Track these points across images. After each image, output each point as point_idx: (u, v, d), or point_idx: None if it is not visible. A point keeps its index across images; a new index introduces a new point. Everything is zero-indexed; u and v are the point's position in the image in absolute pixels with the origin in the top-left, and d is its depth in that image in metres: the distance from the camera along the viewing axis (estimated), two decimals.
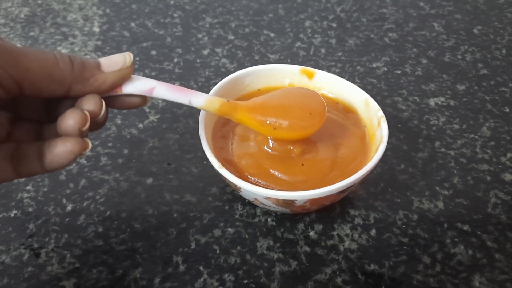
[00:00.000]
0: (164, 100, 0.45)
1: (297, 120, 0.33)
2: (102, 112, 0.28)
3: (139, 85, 0.29)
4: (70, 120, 0.26)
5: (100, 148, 0.41)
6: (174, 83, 0.47)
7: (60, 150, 0.26)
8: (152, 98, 0.31)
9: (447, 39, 0.53)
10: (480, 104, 0.45)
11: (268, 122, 0.32)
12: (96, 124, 0.29)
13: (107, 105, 0.29)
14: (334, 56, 0.51)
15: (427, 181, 0.38)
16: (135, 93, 0.29)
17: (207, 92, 0.37)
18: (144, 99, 0.30)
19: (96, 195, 0.37)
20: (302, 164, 0.34)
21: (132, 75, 0.29)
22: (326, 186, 0.31)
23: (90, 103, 0.27)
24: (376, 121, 0.35)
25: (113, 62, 0.28)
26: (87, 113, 0.27)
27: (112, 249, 0.34)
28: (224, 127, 0.37)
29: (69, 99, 0.28)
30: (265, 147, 0.35)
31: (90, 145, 0.28)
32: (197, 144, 0.39)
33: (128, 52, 0.29)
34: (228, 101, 0.33)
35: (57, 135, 0.27)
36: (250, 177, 0.33)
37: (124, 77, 0.29)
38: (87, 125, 0.27)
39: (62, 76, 0.26)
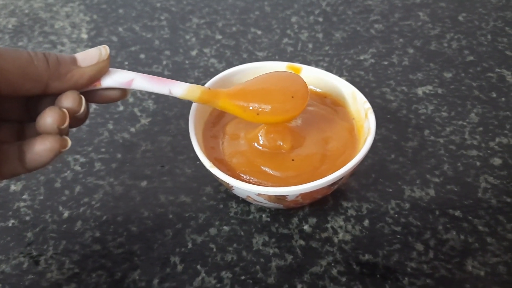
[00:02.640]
0: (154, 103, 0.45)
1: (279, 103, 0.33)
2: (82, 108, 0.28)
3: (117, 78, 0.29)
4: (48, 118, 0.26)
5: (93, 153, 0.41)
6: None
7: (40, 148, 0.27)
8: (131, 90, 0.31)
9: (432, 27, 0.54)
10: (468, 90, 0.46)
11: (250, 108, 0.32)
12: (76, 120, 0.29)
13: (87, 100, 0.29)
14: (321, 51, 0.51)
15: (418, 170, 0.39)
16: (114, 86, 0.29)
17: None
18: (123, 92, 0.30)
19: (91, 200, 0.38)
20: (293, 160, 0.34)
21: (110, 68, 0.29)
22: (317, 179, 0.31)
23: (68, 100, 0.27)
24: (363, 113, 0.36)
25: (89, 56, 0.28)
26: (65, 110, 0.27)
27: (110, 253, 0.35)
28: (214, 126, 0.38)
29: (49, 97, 0.28)
30: (256, 144, 0.35)
31: (69, 143, 0.28)
32: (189, 145, 0.40)
33: (104, 45, 0.29)
34: (209, 88, 0.33)
35: (38, 134, 0.27)
36: (242, 175, 0.34)
37: (101, 70, 0.29)
38: (66, 123, 0.27)
39: (37, 74, 0.26)
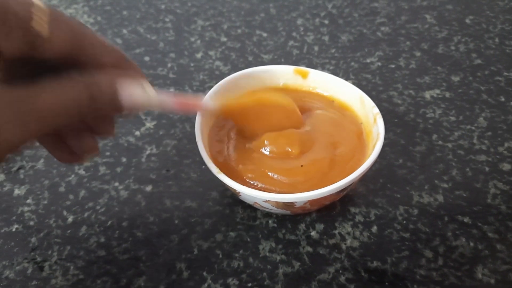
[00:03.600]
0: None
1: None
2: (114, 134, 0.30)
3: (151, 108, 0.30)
4: (85, 148, 0.29)
5: (98, 158, 0.41)
6: (168, 89, 0.47)
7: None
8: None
9: (439, 30, 0.53)
10: (476, 94, 0.45)
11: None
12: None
13: None
14: (327, 53, 0.51)
15: (426, 175, 0.39)
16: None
17: (202, 96, 0.37)
18: None
19: (96, 205, 0.37)
20: (301, 165, 0.34)
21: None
22: (325, 185, 0.31)
23: (104, 130, 0.29)
24: (372, 118, 0.35)
25: (134, 103, 0.26)
26: (98, 144, 0.29)
27: (115, 259, 0.34)
28: (220, 131, 0.37)
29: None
30: (263, 150, 0.35)
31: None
32: (194, 149, 0.39)
33: (147, 84, 0.27)
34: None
35: None
36: (248, 180, 0.34)
37: (142, 110, 0.28)
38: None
39: (78, 116, 0.25)
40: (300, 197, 0.30)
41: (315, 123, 0.36)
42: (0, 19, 0.21)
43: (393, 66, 0.49)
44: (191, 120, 0.44)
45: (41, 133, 0.23)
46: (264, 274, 0.33)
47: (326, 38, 0.53)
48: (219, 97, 0.38)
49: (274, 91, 0.40)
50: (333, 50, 0.51)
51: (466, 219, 0.35)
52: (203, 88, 0.47)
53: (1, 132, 0.21)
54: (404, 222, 0.36)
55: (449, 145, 0.41)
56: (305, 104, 0.38)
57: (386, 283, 0.32)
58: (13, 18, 0.22)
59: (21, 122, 0.22)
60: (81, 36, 0.25)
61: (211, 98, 0.37)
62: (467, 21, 0.54)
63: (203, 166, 0.39)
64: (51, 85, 0.23)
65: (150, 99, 0.27)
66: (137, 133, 0.43)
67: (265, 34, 0.54)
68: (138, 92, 0.26)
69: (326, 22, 0.55)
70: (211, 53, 0.51)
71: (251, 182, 0.33)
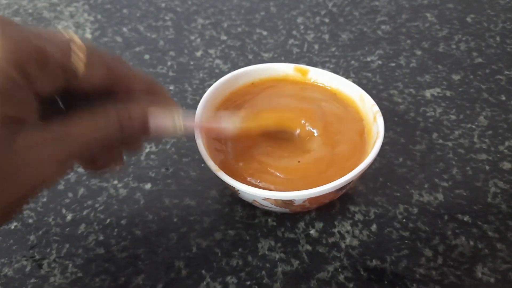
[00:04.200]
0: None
1: None
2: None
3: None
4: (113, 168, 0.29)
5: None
6: (168, 87, 0.47)
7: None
8: None
9: (440, 29, 0.53)
10: (476, 93, 0.45)
11: None
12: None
13: None
14: (328, 52, 0.51)
15: (426, 174, 0.38)
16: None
17: (202, 94, 0.37)
18: None
19: (95, 203, 0.37)
20: (298, 161, 0.34)
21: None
22: (324, 183, 0.31)
23: (133, 149, 0.30)
24: (372, 116, 0.35)
25: (162, 133, 0.28)
26: (125, 163, 0.30)
27: (114, 257, 0.34)
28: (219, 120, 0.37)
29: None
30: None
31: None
32: (194, 147, 0.39)
33: (180, 120, 0.28)
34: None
35: None
36: (248, 178, 0.33)
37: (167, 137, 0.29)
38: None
39: (108, 141, 0.26)
40: (299, 195, 0.30)
41: (319, 115, 0.36)
42: (40, 62, 0.22)
43: (393, 64, 0.49)
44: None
45: (73, 164, 0.25)
46: (263, 272, 0.33)
47: (326, 36, 0.53)
48: (218, 95, 0.38)
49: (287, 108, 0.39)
50: (333, 49, 0.51)
51: (466, 218, 0.35)
52: (203, 86, 0.47)
53: (39, 171, 0.22)
54: (404, 220, 0.35)
55: (450, 143, 0.41)
56: (308, 96, 0.38)
57: (386, 282, 0.32)
58: (52, 59, 0.22)
59: (57, 160, 0.23)
60: (115, 69, 0.26)
61: (210, 97, 0.37)
62: (468, 19, 0.54)
63: (202, 165, 0.39)
64: (83, 118, 0.24)
65: (178, 129, 0.28)
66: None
67: (265, 33, 0.54)
68: (167, 122, 0.27)
69: (327, 20, 0.55)
70: (211, 51, 0.51)
71: (250, 180, 0.33)
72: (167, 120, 0.27)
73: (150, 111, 0.27)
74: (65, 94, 0.26)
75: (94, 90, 0.25)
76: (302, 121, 0.36)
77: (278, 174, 0.33)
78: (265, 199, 0.31)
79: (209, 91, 0.37)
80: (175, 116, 0.28)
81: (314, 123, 0.36)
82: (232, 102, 0.38)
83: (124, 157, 0.30)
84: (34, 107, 0.22)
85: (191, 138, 0.31)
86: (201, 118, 0.35)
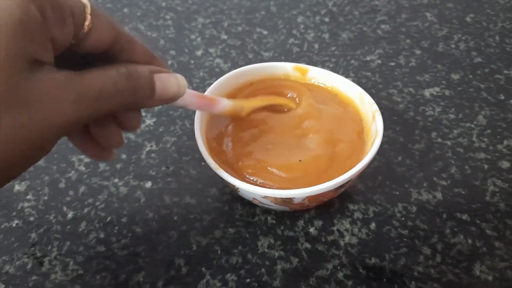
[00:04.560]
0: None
1: None
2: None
3: (175, 103, 0.29)
4: (112, 142, 0.29)
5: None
6: None
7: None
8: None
9: (440, 28, 0.53)
10: (475, 92, 0.45)
11: None
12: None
13: None
14: (327, 51, 0.51)
15: (425, 172, 0.39)
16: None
17: (202, 92, 0.37)
18: None
19: (96, 201, 0.38)
20: (300, 160, 0.34)
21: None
22: (324, 182, 0.31)
23: (132, 123, 0.29)
24: (371, 115, 0.36)
25: (167, 92, 0.28)
26: (123, 138, 0.29)
27: (114, 254, 0.34)
28: (219, 127, 0.37)
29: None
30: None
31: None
32: (194, 146, 0.39)
33: (183, 80, 0.29)
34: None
35: None
36: (248, 176, 0.34)
37: (169, 103, 0.29)
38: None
39: (116, 100, 0.25)
40: (298, 193, 0.30)
41: (319, 116, 0.36)
42: (55, 7, 0.22)
43: (393, 64, 0.49)
44: (190, 117, 0.44)
45: (87, 116, 0.24)
46: (263, 270, 0.33)
47: (326, 36, 0.53)
48: (218, 95, 0.38)
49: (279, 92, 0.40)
50: (333, 48, 0.51)
51: (464, 217, 0.36)
52: (203, 85, 0.47)
53: (57, 109, 0.22)
54: (403, 219, 0.36)
55: (448, 142, 0.41)
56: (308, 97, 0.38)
57: (384, 280, 0.32)
58: (66, 7, 0.23)
59: (75, 101, 0.23)
60: (119, 31, 0.26)
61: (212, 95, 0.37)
62: (468, 19, 0.54)
63: (203, 163, 0.40)
64: (94, 69, 0.24)
65: (182, 90, 0.28)
66: (137, 129, 0.43)
67: (265, 32, 0.54)
68: (172, 81, 0.28)
69: (327, 20, 0.55)
70: (211, 50, 0.51)
71: (250, 178, 0.33)
72: (171, 79, 0.28)
73: (155, 70, 0.27)
74: (70, 62, 0.26)
75: (98, 48, 0.25)
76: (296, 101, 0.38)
77: (278, 172, 0.33)
78: (265, 197, 0.31)
79: (209, 90, 0.37)
80: (179, 77, 0.28)
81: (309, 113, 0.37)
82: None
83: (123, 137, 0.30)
84: (50, 52, 0.23)
85: (187, 107, 0.31)
86: (199, 121, 0.36)
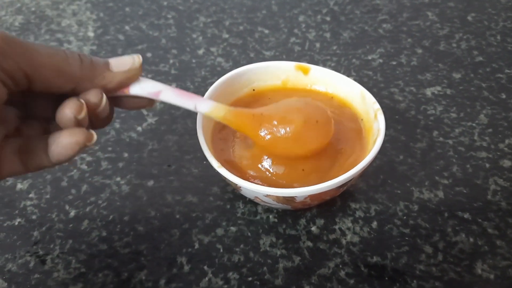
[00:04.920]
0: (162, 102, 0.45)
1: (303, 130, 0.32)
2: (103, 103, 0.28)
3: (146, 87, 0.30)
4: (66, 108, 0.27)
5: (100, 152, 0.41)
6: (171, 85, 0.47)
7: (65, 141, 0.27)
8: (158, 100, 0.31)
9: (441, 27, 0.53)
10: (477, 91, 0.45)
11: (271, 132, 0.32)
12: (99, 119, 0.29)
13: (114, 105, 0.30)
14: (329, 50, 0.51)
15: (427, 171, 0.39)
16: (141, 95, 0.30)
17: (204, 92, 0.37)
18: (150, 101, 0.31)
19: (98, 199, 0.38)
20: (303, 170, 0.34)
21: (140, 77, 0.30)
22: (326, 181, 0.31)
23: (89, 94, 0.28)
24: (372, 114, 0.36)
25: (122, 63, 0.29)
26: (82, 101, 0.27)
27: (117, 253, 0.34)
28: (223, 129, 0.37)
29: (75, 97, 0.29)
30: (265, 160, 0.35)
31: (95, 137, 0.28)
32: (196, 145, 0.39)
33: (138, 55, 0.29)
34: (235, 109, 0.33)
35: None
36: (249, 175, 0.34)
37: (132, 77, 0.29)
38: (83, 113, 0.27)
39: (71, 73, 0.27)
40: (300, 191, 0.31)
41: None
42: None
43: (394, 63, 0.49)
44: (193, 116, 0.44)
45: (34, 84, 0.26)
46: (265, 268, 0.33)
47: (327, 35, 0.53)
48: (220, 93, 0.38)
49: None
50: (334, 47, 0.51)
51: (466, 215, 0.36)
52: (205, 84, 0.47)
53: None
54: (404, 217, 0.36)
55: (450, 141, 0.41)
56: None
57: (386, 278, 0.32)
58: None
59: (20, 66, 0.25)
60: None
61: (212, 95, 0.37)
62: (469, 18, 0.54)
63: (204, 162, 0.40)
64: (46, 48, 0.26)
65: (136, 59, 0.29)
66: (139, 128, 0.43)
67: (266, 31, 0.54)
68: (126, 59, 0.29)
69: (328, 19, 0.55)
70: (213, 49, 0.52)
71: (253, 179, 0.33)
72: (125, 58, 0.29)
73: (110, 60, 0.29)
74: None
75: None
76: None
77: (280, 180, 0.33)
78: (267, 195, 0.31)
79: (211, 89, 0.37)
80: (134, 55, 0.29)
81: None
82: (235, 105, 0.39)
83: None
84: None
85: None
86: (201, 121, 0.35)
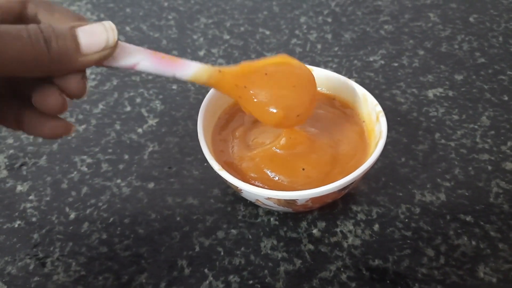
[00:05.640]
0: (162, 103, 0.45)
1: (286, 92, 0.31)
2: (86, 93, 0.26)
3: (122, 62, 0.27)
4: (48, 103, 0.26)
5: (100, 154, 0.41)
6: (171, 86, 0.47)
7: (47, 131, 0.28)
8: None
9: (443, 29, 0.53)
10: (479, 93, 0.45)
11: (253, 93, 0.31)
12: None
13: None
14: (330, 51, 0.51)
15: (428, 174, 0.38)
16: (115, 66, 0.27)
17: (205, 94, 0.37)
18: (67, 129, 0.29)
19: (98, 202, 0.38)
20: (303, 169, 0.34)
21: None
22: (327, 183, 0.31)
23: (71, 87, 0.26)
24: (374, 116, 0.35)
25: (94, 42, 0.25)
26: (65, 97, 0.26)
27: (117, 255, 0.34)
28: (223, 130, 0.37)
29: (55, 88, 0.26)
30: (274, 148, 0.35)
31: (74, 129, 0.28)
32: (197, 147, 0.39)
33: (110, 24, 0.25)
34: (219, 71, 0.30)
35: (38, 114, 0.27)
36: (250, 177, 0.33)
37: (107, 56, 0.26)
38: (66, 107, 0.26)
39: (36, 63, 0.24)
40: (302, 194, 0.30)
41: (316, 122, 0.36)
42: None
43: (396, 64, 0.49)
44: (193, 117, 0.44)
45: None
46: (266, 271, 0.33)
47: (329, 36, 0.53)
48: (221, 95, 0.38)
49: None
50: (336, 48, 0.51)
51: (468, 218, 0.35)
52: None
53: None
54: (406, 220, 0.35)
55: (452, 144, 0.41)
56: None
57: (388, 282, 0.32)
58: None
59: None
60: None
61: (212, 98, 0.37)
62: (471, 19, 0.54)
63: (205, 164, 0.40)
64: (6, 31, 0.23)
65: (110, 34, 0.25)
66: (140, 130, 0.43)
67: (268, 32, 0.54)
68: (97, 28, 0.25)
69: (329, 20, 0.55)
70: (214, 50, 0.51)
71: (254, 181, 0.33)
72: (96, 27, 0.25)
73: (77, 24, 0.24)
74: None
75: (9, 18, 0.24)
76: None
77: (281, 181, 0.33)
78: (268, 198, 0.31)
79: (212, 90, 0.37)
80: (108, 27, 0.25)
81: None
82: (238, 108, 0.38)
83: (67, 100, 0.27)
84: None
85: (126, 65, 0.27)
86: (202, 122, 0.35)
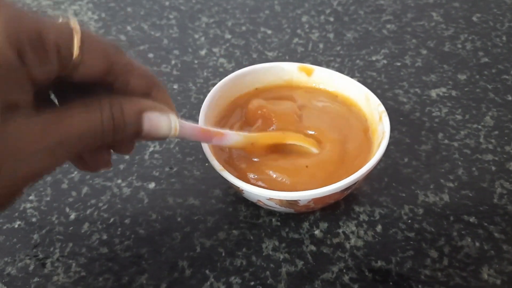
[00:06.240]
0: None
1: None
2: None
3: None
4: (98, 164, 0.28)
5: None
6: (172, 85, 0.47)
7: None
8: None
9: (446, 28, 0.53)
10: (482, 93, 0.45)
11: None
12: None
13: None
14: (332, 51, 0.50)
15: (432, 174, 0.38)
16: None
17: (206, 93, 0.36)
18: None
19: (99, 202, 0.37)
20: (307, 166, 0.33)
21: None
22: (330, 183, 0.30)
23: (121, 150, 0.29)
24: (377, 116, 0.35)
25: (155, 132, 0.26)
26: (110, 158, 0.28)
27: (117, 256, 0.34)
28: (222, 128, 0.37)
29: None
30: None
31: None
32: (198, 147, 0.39)
33: (175, 122, 0.26)
34: (252, 144, 0.34)
35: None
36: (252, 178, 0.33)
37: (160, 139, 0.27)
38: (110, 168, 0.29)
39: (99, 143, 0.24)
40: (304, 195, 0.30)
41: (322, 116, 0.36)
42: (36, 44, 0.21)
43: (398, 64, 0.48)
44: (194, 117, 0.43)
45: (65, 159, 0.24)
46: (267, 272, 0.33)
47: (331, 35, 0.52)
48: (222, 95, 0.37)
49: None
50: (338, 48, 0.51)
51: (472, 219, 0.35)
52: (207, 85, 0.47)
53: (32, 161, 0.21)
54: (409, 221, 0.35)
55: (455, 144, 0.40)
56: (309, 100, 0.38)
57: (391, 283, 0.32)
58: (49, 41, 0.21)
59: (50, 151, 0.22)
60: (113, 57, 0.25)
61: (214, 96, 0.36)
62: (474, 19, 0.54)
63: (206, 164, 0.39)
64: (76, 109, 0.23)
65: (172, 132, 0.26)
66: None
67: (269, 31, 0.53)
68: (162, 122, 0.26)
69: (331, 19, 0.55)
70: (215, 50, 0.51)
71: (254, 181, 0.33)
72: (162, 121, 0.26)
73: (146, 109, 0.25)
74: (59, 87, 0.25)
75: (89, 79, 0.24)
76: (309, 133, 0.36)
77: (284, 180, 0.33)
78: (270, 199, 0.31)
79: (213, 90, 0.37)
80: (172, 119, 0.26)
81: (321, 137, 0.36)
82: (237, 105, 0.38)
83: (111, 159, 0.29)
84: (28, 93, 0.21)
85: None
86: (203, 122, 0.35)
